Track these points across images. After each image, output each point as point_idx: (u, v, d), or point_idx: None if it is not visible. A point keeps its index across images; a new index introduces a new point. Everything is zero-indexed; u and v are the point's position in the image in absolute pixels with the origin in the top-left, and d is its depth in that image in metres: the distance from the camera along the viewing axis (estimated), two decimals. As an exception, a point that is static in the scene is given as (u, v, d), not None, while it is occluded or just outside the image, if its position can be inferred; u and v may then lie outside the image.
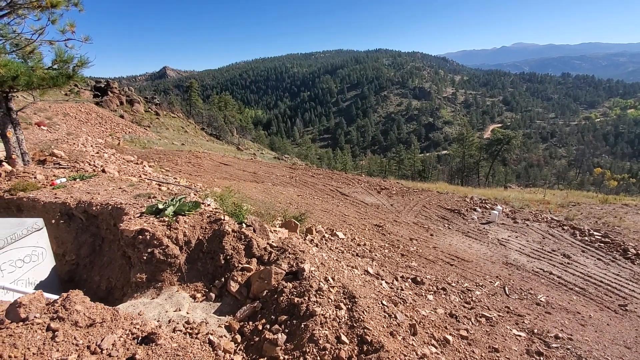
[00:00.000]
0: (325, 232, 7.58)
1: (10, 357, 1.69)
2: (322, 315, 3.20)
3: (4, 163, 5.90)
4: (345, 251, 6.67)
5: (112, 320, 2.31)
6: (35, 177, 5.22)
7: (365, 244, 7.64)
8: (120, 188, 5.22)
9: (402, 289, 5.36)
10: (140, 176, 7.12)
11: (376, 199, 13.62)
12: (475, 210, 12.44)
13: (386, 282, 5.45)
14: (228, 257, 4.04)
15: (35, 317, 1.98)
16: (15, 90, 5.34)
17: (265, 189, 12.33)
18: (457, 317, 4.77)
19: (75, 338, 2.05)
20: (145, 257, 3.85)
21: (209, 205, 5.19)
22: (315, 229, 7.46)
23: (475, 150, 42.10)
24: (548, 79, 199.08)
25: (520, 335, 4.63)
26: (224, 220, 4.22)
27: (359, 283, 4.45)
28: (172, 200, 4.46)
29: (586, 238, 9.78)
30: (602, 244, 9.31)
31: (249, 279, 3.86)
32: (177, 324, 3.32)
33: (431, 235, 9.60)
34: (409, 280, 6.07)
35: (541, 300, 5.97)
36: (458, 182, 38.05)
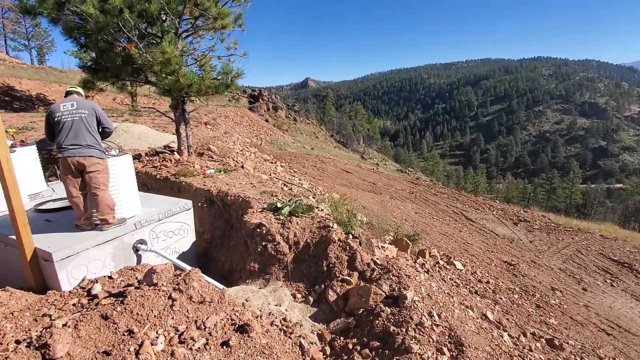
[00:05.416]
0: (441, 259, 6.84)
1: (137, 314, 2.05)
2: (420, 355, 2.81)
3: (175, 153, 7.64)
4: (461, 285, 5.84)
5: (218, 302, 2.55)
6: (193, 166, 6.54)
7: (488, 282, 6.54)
8: (251, 183, 5.96)
9: (530, 350, 4.31)
10: (270, 175, 7.99)
11: (511, 231, 11.60)
12: (662, 269, 9.16)
13: (509, 335, 4.49)
14: (330, 265, 4.04)
15: (162, 284, 2.36)
16: (189, 95, 6.89)
17: (382, 201, 12.09)
18: (614, 413, 3.51)
19: (187, 311, 2.34)
20: (259, 249, 4.21)
21: (322, 210, 5.34)
22: (429, 253, 6.82)
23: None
24: None
25: None
26: (332, 228, 4.25)
27: (472, 328, 3.78)
28: (289, 200, 4.76)
29: None
30: None
31: (347, 292, 3.75)
32: (275, 318, 3.47)
33: (584, 289, 7.52)
34: (543, 340, 4.85)
35: None
36: (635, 227, 29.01)
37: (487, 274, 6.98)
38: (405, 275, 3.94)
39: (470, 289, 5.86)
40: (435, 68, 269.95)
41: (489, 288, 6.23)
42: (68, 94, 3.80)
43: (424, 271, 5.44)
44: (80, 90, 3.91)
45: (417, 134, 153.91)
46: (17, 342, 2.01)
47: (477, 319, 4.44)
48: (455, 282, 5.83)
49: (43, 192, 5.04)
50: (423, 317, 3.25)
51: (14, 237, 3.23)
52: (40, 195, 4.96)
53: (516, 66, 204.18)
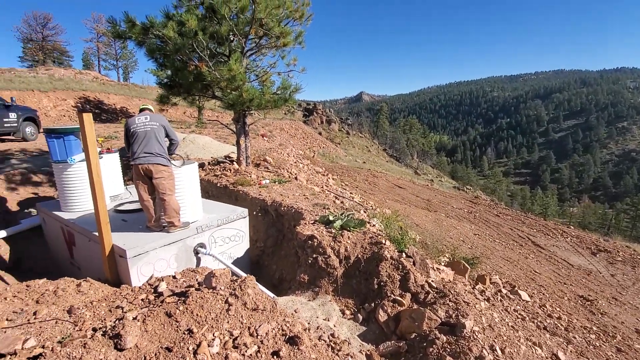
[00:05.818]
0: (503, 287, 6.25)
1: (197, 314, 2.16)
2: (479, 393, 2.56)
3: (234, 162, 8.11)
4: (527, 319, 5.25)
5: (270, 311, 2.58)
6: (250, 176, 6.88)
7: (560, 318, 5.80)
8: (304, 195, 6.06)
9: (615, 404, 3.70)
10: (322, 187, 8.07)
11: (588, 261, 10.26)
12: None
13: (587, 383, 3.91)
14: (382, 284, 3.90)
15: (220, 288, 2.46)
16: (250, 109, 7.33)
17: (437, 219, 11.50)
18: None
19: (242, 316, 2.40)
20: (310, 261, 4.23)
21: (373, 225, 5.22)
22: (490, 279, 6.28)
23: None
24: None
25: None
26: (384, 244, 4.12)
27: (542, 370, 3.35)
28: (341, 214, 4.74)
29: None
30: None
31: (399, 314, 3.58)
32: (324, 333, 3.42)
33: (684, 338, 6.30)
34: (630, 394, 4.15)
35: None
36: None
37: (558, 309, 6.22)
38: (464, 301, 3.65)
39: (539, 323, 5.25)
40: (499, 80, 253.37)
41: (561, 325, 5.52)
42: (141, 110, 4.32)
43: (484, 299, 5.00)
44: (151, 107, 4.46)
45: (477, 150, 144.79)
46: (94, 329, 2.23)
47: (547, 358, 3.94)
48: (520, 314, 5.27)
49: (121, 194, 5.65)
50: (484, 351, 2.97)
51: (96, 233, 3.64)
52: (119, 197, 5.57)
53: (595, 78, 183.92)
